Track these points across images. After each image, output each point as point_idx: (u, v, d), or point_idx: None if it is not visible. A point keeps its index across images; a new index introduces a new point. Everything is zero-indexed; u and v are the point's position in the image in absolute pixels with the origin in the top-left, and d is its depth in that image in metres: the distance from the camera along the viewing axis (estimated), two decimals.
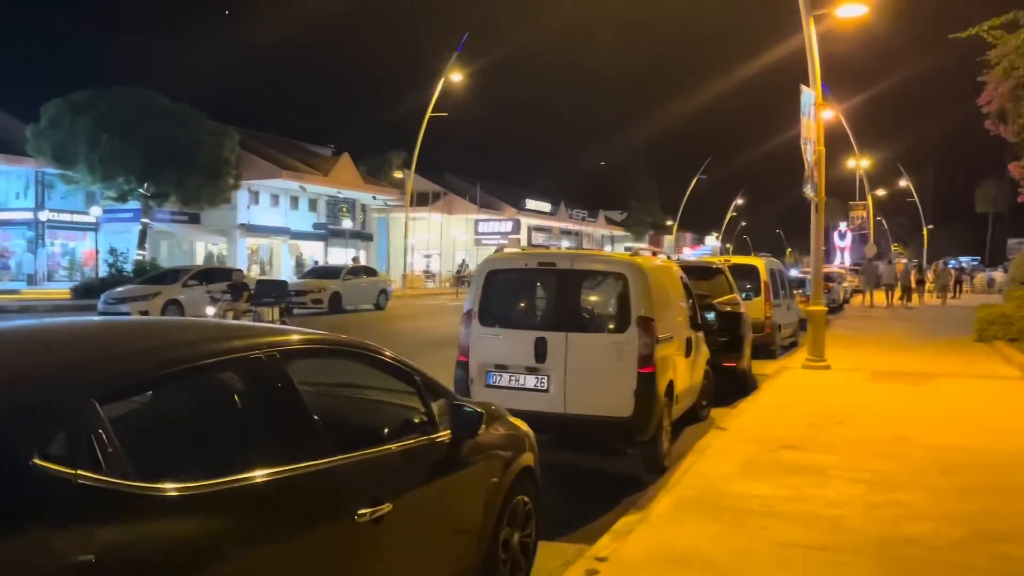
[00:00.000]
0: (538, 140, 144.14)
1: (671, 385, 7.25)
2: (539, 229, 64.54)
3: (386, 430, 3.68)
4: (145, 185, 31.97)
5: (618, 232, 78.64)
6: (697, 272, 11.68)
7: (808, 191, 12.74)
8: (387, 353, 3.74)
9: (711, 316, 9.41)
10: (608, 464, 7.43)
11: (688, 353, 8.14)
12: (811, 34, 12.74)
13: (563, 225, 68.47)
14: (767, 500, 5.70)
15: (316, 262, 40.84)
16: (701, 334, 9.20)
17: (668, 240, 79.31)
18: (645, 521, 5.32)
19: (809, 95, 12.61)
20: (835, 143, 46.68)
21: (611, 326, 6.92)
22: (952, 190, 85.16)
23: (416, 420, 3.82)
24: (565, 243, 65.48)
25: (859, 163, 49.20)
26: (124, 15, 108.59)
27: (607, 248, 66.82)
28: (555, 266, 7.08)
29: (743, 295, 13.53)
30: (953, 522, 5.21)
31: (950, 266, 47.42)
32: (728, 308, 10.85)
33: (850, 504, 5.62)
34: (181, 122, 31.36)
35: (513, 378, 6.96)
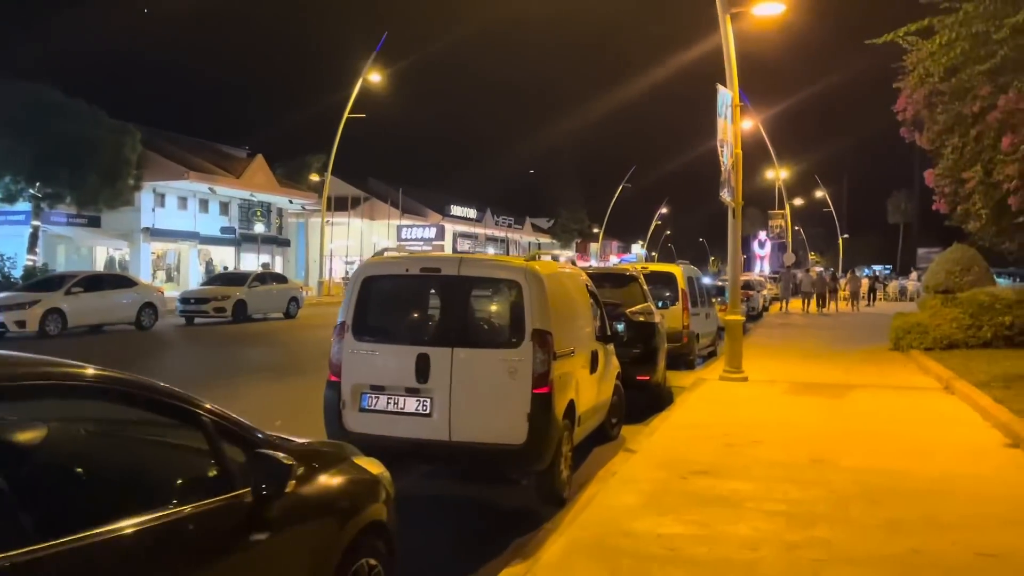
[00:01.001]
0: (464, 146, 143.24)
1: (572, 406, 6.46)
2: (465, 236, 63.67)
3: (155, 492, 2.73)
4: (36, 185, 29.79)
5: (545, 239, 78.39)
6: (609, 280, 11.01)
7: (725, 195, 12.24)
8: (154, 387, 2.80)
9: (622, 327, 8.71)
10: (501, 496, 6.60)
11: (594, 368, 7.39)
12: (728, 32, 12.26)
13: (489, 232, 67.77)
14: (674, 541, 4.95)
15: (226, 268, 38.96)
16: (611, 347, 8.48)
17: (594, 248, 79.53)
18: (530, 574, 4.49)
19: (726, 95, 12.12)
20: (754, 153, 47.34)
21: (503, 340, 6.10)
22: (866, 201, 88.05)
23: (209, 474, 2.89)
24: (491, 250, 64.74)
25: (778, 173, 50.01)
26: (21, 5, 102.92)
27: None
28: (440, 272, 6.21)
29: (660, 304, 12.96)
30: (880, 568, 4.55)
31: (864, 274, 48.62)
32: (641, 318, 10.20)
33: (766, 543, 4.91)
34: (76, 119, 29.35)
35: (391, 401, 6.05)
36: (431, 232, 52.92)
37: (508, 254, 63.52)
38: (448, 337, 6.01)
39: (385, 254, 6.70)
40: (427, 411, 5.94)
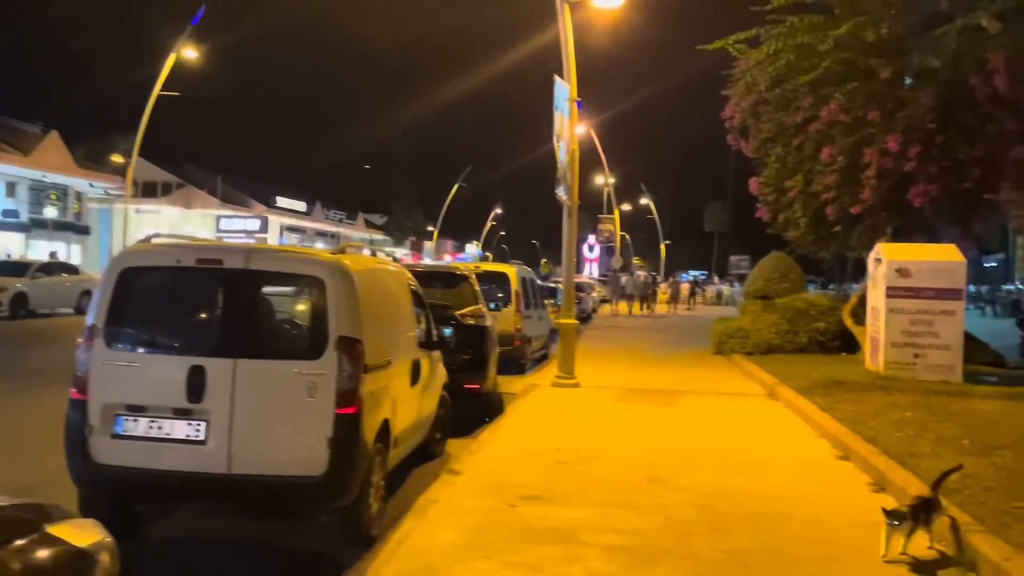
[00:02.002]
0: (295, 135, 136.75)
1: (387, 426, 5.49)
2: (292, 229, 60.71)
3: None
4: None
5: (379, 236, 76.50)
6: (438, 279, 10.14)
7: (560, 194, 11.70)
8: None
9: (450, 331, 7.84)
10: (293, 537, 5.51)
11: (416, 380, 6.45)
12: (567, 23, 11.74)
13: (319, 226, 65.09)
14: None
15: (9, 256, 34.48)
16: (437, 353, 7.59)
17: (429, 246, 78.57)
18: None
19: (563, 89, 11.58)
20: (585, 158, 48.27)
21: (300, 350, 5.03)
22: (686, 209, 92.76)
23: None
24: (319, 244, 62.15)
25: (608, 177, 51.32)
26: None
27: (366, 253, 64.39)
28: (222, 264, 5.03)
29: (492, 305, 12.26)
30: None
31: (684, 279, 50.95)
32: (472, 321, 9.39)
33: None
34: None
35: (155, 425, 4.81)
36: (254, 224, 49.91)
37: None
38: (230, 346, 4.86)
39: (153, 240, 5.39)
40: (201, 437, 4.76)
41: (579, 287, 28.46)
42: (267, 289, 5.26)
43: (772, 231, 15.53)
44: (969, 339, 12.34)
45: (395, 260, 7.35)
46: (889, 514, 4.64)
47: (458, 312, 9.25)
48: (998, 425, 8.04)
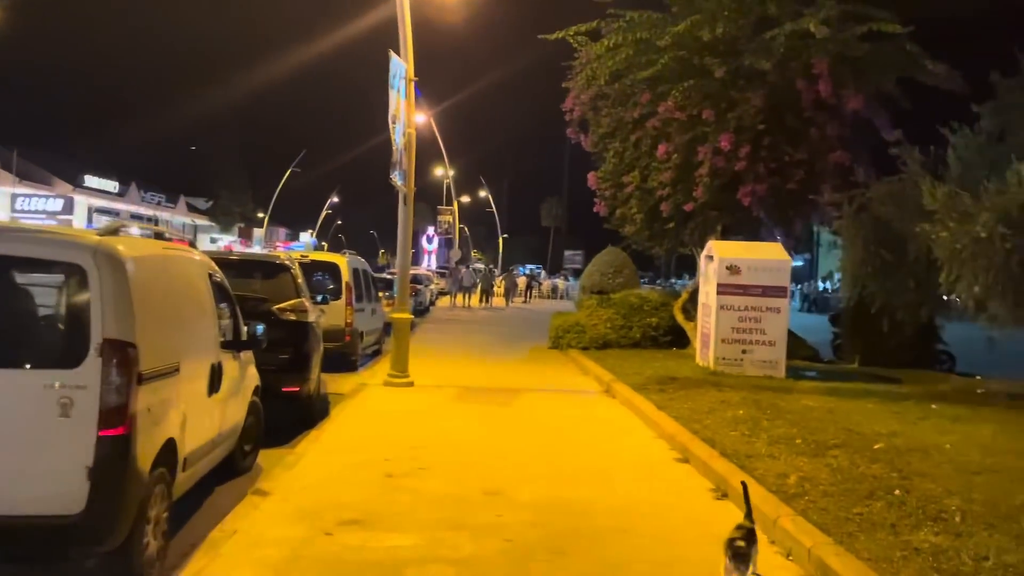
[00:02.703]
0: (108, 108, 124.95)
1: (172, 446, 4.54)
2: (103, 211, 55.43)
3: None
4: None
5: (202, 221, 71.70)
6: (253, 269, 9.06)
7: (396, 179, 10.91)
8: None
9: (262, 328, 6.87)
10: None
11: (215, 387, 5.49)
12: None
13: (134, 208, 59.89)
14: None
15: None
16: (248, 354, 6.63)
17: (259, 234, 74.66)
18: None
19: (400, 66, 10.78)
20: (424, 147, 47.47)
21: (50, 357, 3.99)
22: (524, 203, 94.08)
23: None
24: (135, 230, 57.22)
25: (447, 169, 50.80)
26: None
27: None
28: None
29: (321, 298, 11.27)
30: None
31: (522, 273, 51.41)
32: (292, 316, 8.42)
33: None
34: None
35: None
36: (56, 204, 45.17)
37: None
38: None
39: None
40: None
41: (417, 279, 27.73)
42: (11, 279, 4.15)
43: (609, 226, 15.50)
44: (789, 335, 12.77)
45: (193, 245, 6.28)
46: (735, 557, 4.08)
47: (276, 306, 8.26)
48: (825, 422, 8.13)
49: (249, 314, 7.09)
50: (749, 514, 4.25)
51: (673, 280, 57.28)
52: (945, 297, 10.25)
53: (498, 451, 7.38)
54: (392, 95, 10.61)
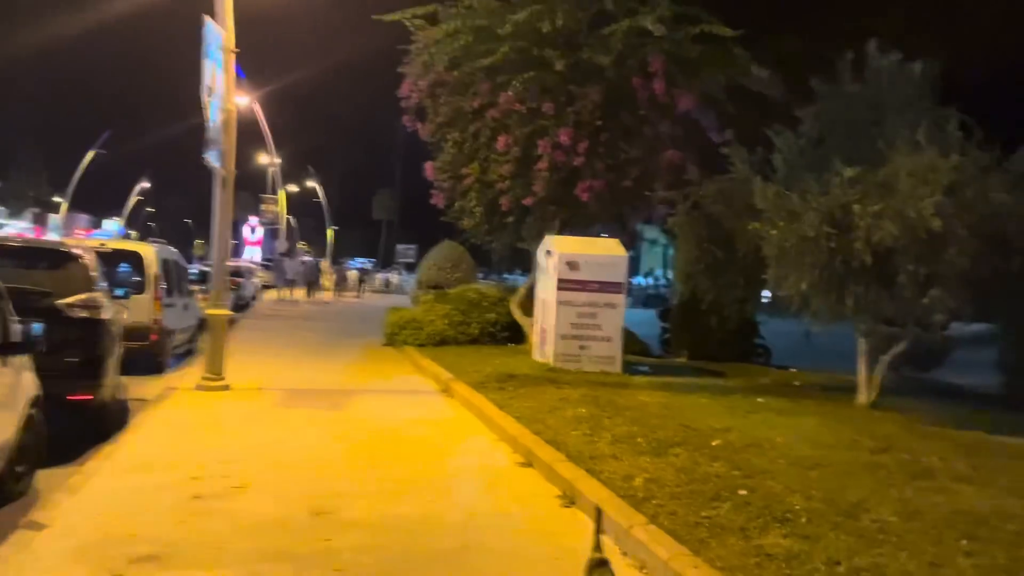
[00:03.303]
0: None
1: None
2: None
3: None
4: None
5: None
6: (33, 257, 7.78)
7: (211, 159, 9.84)
8: None
9: (40, 327, 5.79)
10: None
11: None
12: None
13: None
14: None
15: None
16: (23, 358, 5.58)
17: (56, 219, 67.76)
18: None
19: (216, 34, 9.71)
20: (248, 131, 44.92)
21: None
22: (355, 194, 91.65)
23: None
24: None
25: (273, 156, 48.35)
26: None
27: None
28: None
29: (122, 292, 10.02)
30: None
31: (353, 266, 49.96)
32: (83, 313, 7.26)
33: None
34: None
35: None
36: None
37: None
38: None
39: None
40: None
41: (239, 272, 26.01)
42: None
43: (447, 219, 15.03)
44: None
45: None
46: None
47: (63, 301, 7.09)
48: (663, 419, 8.09)
49: (28, 310, 6.01)
50: (598, 546, 3.80)
51: (506, 275, 57.91)
52: (771, 294, 10.63)
53: (327, 462, 6.69)
54: (207, 65, 9.52)
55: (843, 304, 8.68)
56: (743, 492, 5.45)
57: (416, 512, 5.37)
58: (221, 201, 10.10)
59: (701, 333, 14.15)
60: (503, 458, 7.05)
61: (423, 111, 14.72)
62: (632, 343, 14.40)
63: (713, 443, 6.99)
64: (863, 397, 9.75)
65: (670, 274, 59.58)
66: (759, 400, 9.69)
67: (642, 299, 43.37)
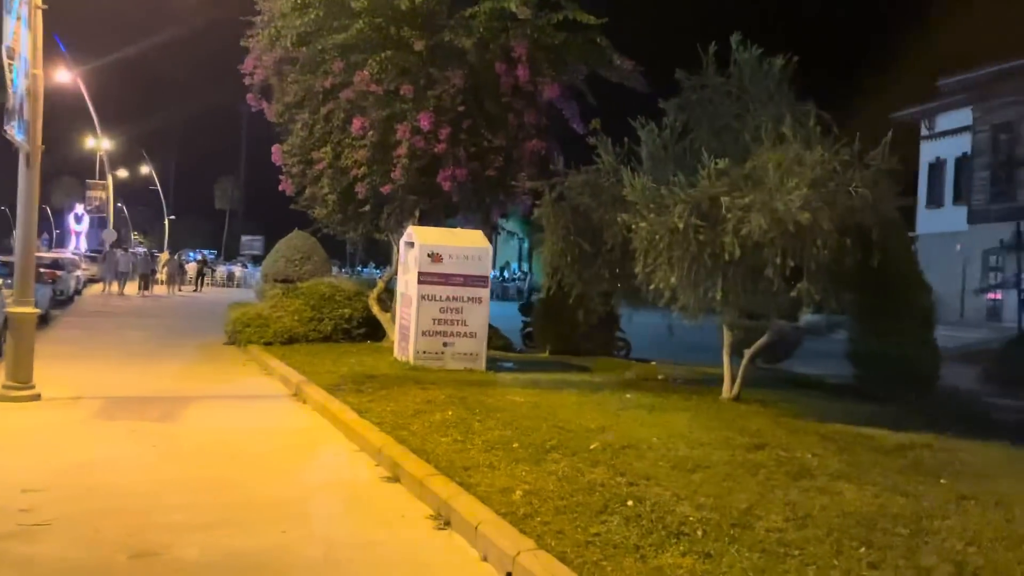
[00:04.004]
0: None
1: None
2: None
3: None
4: None
5: None
6: None
7: (13, 132, 8.41)
8: None
9: None
10: None
11: None
12: None
13: None
14: None
15: None
16: None
17: None
18: None
19: None
20: (72, 113, 40.94)
21: None
22: (194, 182, 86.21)
23: None
24: None
25: (100, 137, 44.36)
26: None
27: None
28: None
29: None
30: None
31: (192, 258, 46.79)
32: None
33: None
34: None
35: None
36: None
37: None
38: None
39: None
40: None
41: (59, 264, 23.43)
42: None
43: (297, 207, 13.95)
44: None
45: None
46: None
47: None
48: (536, 420, 7.64)
49: None
50: None
51: (359, 268, 56.29)
52: (640, 287, 10.45)
53: (156, 487, 5.71)
54: (8, 22, 8.11)
55: (712, 298, 8.55)
56: (631, 503, 5.06)
57: (265, 546, 4.57)
58: (27, 181, 8.66)
59: (565, 327, 13.89)
60: (366, 472, 6.32)
61: (269, 90, 13.58)
62: (494, 338, 13.95)
63: (591, 446, 6.59)
64: (728, 391, 9.74)
65: (525, 267, 60.40)
66: (628, 396, 9.47)
67: (499, 292, 43.24)
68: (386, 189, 12.42)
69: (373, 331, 13.97)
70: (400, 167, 12.15)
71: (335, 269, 30.00)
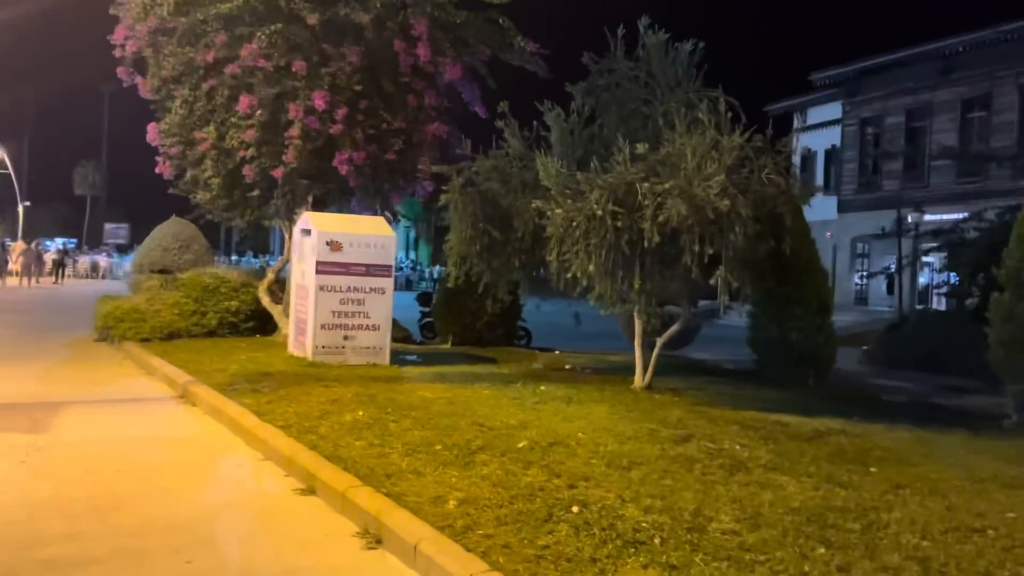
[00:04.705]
0: None
1: None
2: None
3: None
4: None
5: None
6: None
7: None
8: None
9: None
10: None
11: None
12: None
13: None
14: None
15: None
16: None
17: None
18: None
19: None
20: None
21: None
22: (51, 167, 79.98)
23: None
24: None
25: None
26: None
27: None
28: None
29: None
30: None
31: (50, 247, 43.28)
32: None
33: None
34: None
35: None
36: None
37: None
38: None
39: None
40: None
41: None
42: None
43: (177, 191, 12.84)
44: None
45: None
46: None
47: None
48: (453, 418, 7.22)
49: None
50: None
51: (236, 256, 53.66)
52: (550, 275, 10.17)
53: (27, 514, 4.90)
54: None
55: (629, 286, 8.36)
56: (576, 508, 4.72)
57: None
58: None
59: (467, 317, 13.51)
60: (275, 484, 5.71)
61: (143, 63, 12.42)
62: (394, 330, 13.34)
63: (519, 445, 6.24)
64: (640, 380, 9.62)
65: (412, 255, 59.46)
66: (542, 388, 9.18)
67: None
68: (277, 173, 11.61)
69: (263, 325, 13.09)
70: (293, 149, 11.38)
71: (223, 259, 28.36)
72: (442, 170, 10.50)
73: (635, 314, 9.56)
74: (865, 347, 16.87)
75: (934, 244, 22.16)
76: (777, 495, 5.16)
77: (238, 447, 6.75)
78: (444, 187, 10.47)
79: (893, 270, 24.76)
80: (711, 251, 7.93)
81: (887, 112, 30.29)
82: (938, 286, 18.46)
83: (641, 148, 8.05)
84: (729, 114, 8.79)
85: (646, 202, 8.07)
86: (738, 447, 6.53)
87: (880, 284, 29.26)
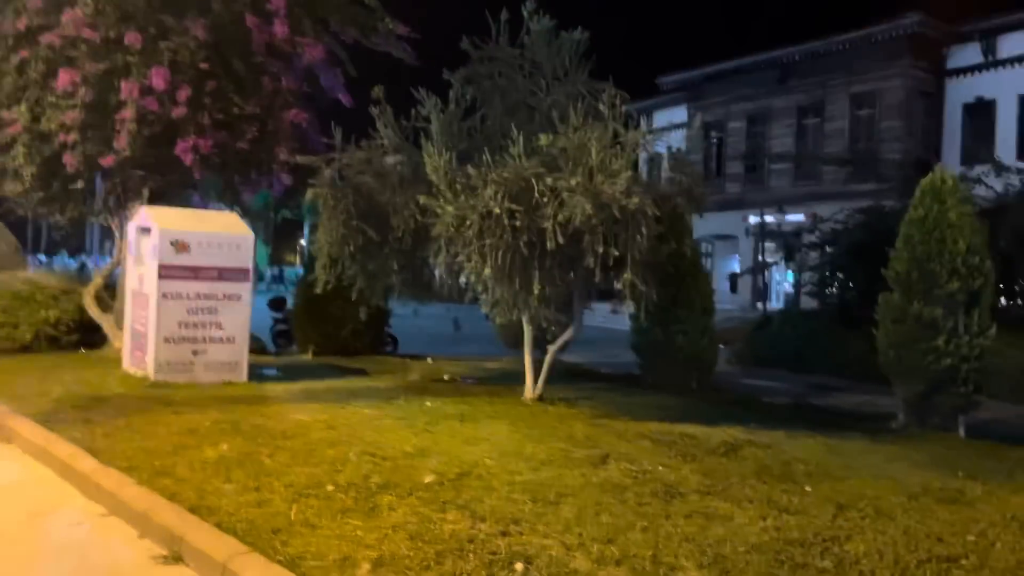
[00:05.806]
0: None
1: None
2: None
3: None
4: None
5: None
6: None
7: None
8: None
9: None
10: None
11: None
12: None
13: None
14: None
15: None
16: None
17: None
18: None
19: None
20: None
21: None
22: None
23: None
24: None
25: None
26: None
27: None
28: None
29: None
30: None
31: None
32: None
33: None
34: None
35: None
36: None
37: None
38: None
39: None
40: None
41: None
42: None
43: None
44: None
45: None
46: None
47: None
48: (339, 447, 6.22)
49: None
50: None
51: (44, 256, 48.34)
52: (432, 280, 9.33)
53: None
54: None
55: (527, 290, 7.68)
56: (519, 567, 3.95)
57: None
58: None
59: (330, 325, 12.38)
60: (128, 551, 4.51)
61: None
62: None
63: (425, 480, 5.38)
64: (531, 390, 9.00)
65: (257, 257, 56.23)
66: (427, 404, 8.35)
67: None
68: (107, 161, 10.00)
69: (90, 337, 11.32)
70: (126, 134, 9.82)
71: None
72: (309, 161, 9.38)
73: (524, 321, 8.91)
74: (722, 345, 17.21)
75: (773, 245, 23.19)
76: (728, 528, 4.63)
77: (72, 499, 5.41)
78: (307, 181, 9.37)
79: (752, 269, 25.76)
80: (616, 253, 7.41)
81: (729, 117, 31.64)
82: (804, 285, 19.28)
83: (545, 140, 7.37)
84: (624, 108, 8.37)
85: (544, 199, 7.44)
86: (660, 468, 6.01)
87: (724, 283, 30.45)
